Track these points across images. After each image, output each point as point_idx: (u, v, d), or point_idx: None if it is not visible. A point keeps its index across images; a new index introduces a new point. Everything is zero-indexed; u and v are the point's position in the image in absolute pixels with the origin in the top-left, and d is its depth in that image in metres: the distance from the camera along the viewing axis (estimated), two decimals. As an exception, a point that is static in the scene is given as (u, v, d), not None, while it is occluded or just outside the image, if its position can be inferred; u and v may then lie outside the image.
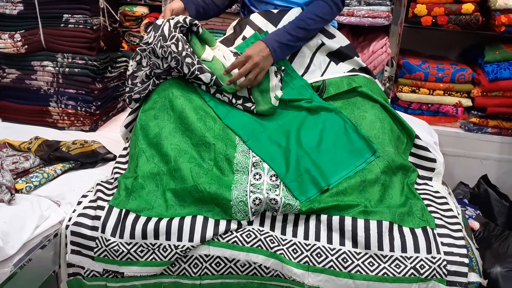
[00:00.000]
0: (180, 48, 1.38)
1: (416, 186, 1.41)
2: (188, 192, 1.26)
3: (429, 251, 1.19)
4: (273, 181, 1.30)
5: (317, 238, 1.22)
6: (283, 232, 1.24)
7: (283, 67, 1.52)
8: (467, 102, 2.33)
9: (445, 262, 1.17)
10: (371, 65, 2.23)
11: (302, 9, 1.60)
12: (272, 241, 1.21)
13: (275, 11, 1.61)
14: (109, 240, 1.20)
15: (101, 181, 1.38)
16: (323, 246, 1.21)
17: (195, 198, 1.25)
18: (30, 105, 1.97)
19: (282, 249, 1.20)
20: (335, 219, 1.23)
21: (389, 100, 2.26)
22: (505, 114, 2.32)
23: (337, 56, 1.61)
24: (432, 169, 1.49)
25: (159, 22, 1.43)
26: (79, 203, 1.31)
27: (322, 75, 1.58)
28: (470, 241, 1.28)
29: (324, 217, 1.23)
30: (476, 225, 1.89)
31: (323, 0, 1.54)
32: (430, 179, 1.49)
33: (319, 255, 1.20)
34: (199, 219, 1.22)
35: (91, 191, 1.37)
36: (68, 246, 1.24)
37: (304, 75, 1.57)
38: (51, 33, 1.87)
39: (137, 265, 1.21)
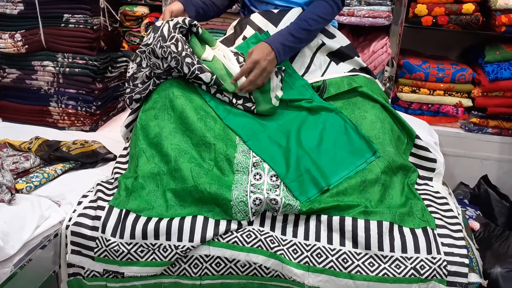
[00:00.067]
0: (179, 48, 1.38)
1: (416, 186, 1.41)
2: (189, 192, 1.26)
3: (429, 251, 1.18)
4: (273, 181, 1.30)
5: (317, 238, 1.22)
6: (283, 232, 1.24)
7: (283, 67, 1.52)
8: (467, 102, 2.33)
9: (445, 263, 1.17)
10: (371, 65, 2.23)
11: (303, 9, 1.59)
12: (272, 242, 1.21)
13: (276, 11, 1.61)
14: (109, 240, 1.20)
15: (101, 181, 1.38)
16: (323, 247, 1.21)
17: (195, 198, 1.25)
18: (30, 105, 1.97)
19: (282, 249, 1.20)
20: (335, 219, 1.23)
21: (390, 100, 2.27)
22: (506, 114, 2.32)
23: (337, 56, 1.61)
24: (432, 169, 1.49)
25: (158, 23, 1.43)
26: (79, 203, 1.31)
27: (322, 75, 1.58)
28: (470, 242, 1.28)
29: (324, 218, 1.23)
30: (476, 225, 1.89)
31: (324, 0, 1.54)
32: (430, 179, 1.49)
33: (319, 256, 1.20)
34: (199, 219, 1.22)
35: (92, 191, 1.37)
36: (68, 246, 1.24)
37: (305, 75, 1.57)
38: (52, 33, 1.87)
39: (137, 265, 1.21)
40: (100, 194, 1.31)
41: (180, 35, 1.41)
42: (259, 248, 1.20)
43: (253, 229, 1.22)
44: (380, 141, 1.40)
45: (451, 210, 1.34)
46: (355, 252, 1.20)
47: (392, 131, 1.46)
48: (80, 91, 1.92)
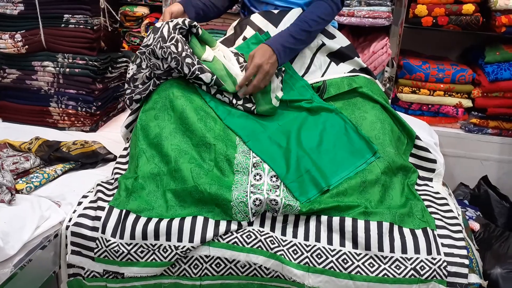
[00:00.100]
0: (179, 49, 1.38)
1: (416, 187, 1.41)
2: (189, 193, 1.26)
3: (429, 252, 1.18)
4: (273, 181, 1.30)
5: (317, 239, 1.22)
6: (283, 233, 1.24)
7: (283, 68, 1.52)
8: (467, 103, 2.33)
9: (445, 263, 1.17)
10: (371, 66, 2.23)
11: (303, 9, 1.60)
12: (272, 242, 1.21)
13: (276, 11, 1.61)
14: (109, 240, 1.20)
15: (102, 182, 1.38)
16: (323, 247, 1.21)
17: (195, 198, 1.25)
18: (30, 105, 1.97)
19: (282, 250, 1.20)
20: (335, 220, 1.23)
21: (390, 100, 2.27)
22: (506, 115, 2.32)
23: (337, 56, 1.61)
24: (432, 170, 1.49)
25: (158, 24, 1.43)
26: (80, 203, 1.31)
27: (322, 76, 1.58)
28: (470, 242, 1.28)
29: (324, 218, 1.23)
30: (476, 226, 1.89)
31: (323, 0, 1.54)
32: (430, 180, 1.49)
33: (319, 256, 1.20)
34: (199, 219, 1.22)
35: (92, 192, 1.37)
36: (68, 247, 1.24)
37: (305, 76, 1.58)
38: (52, 33, 1.87)
39: (137, 265, 1.21)
40: (100, 195, 1.31)
41: (180, 36, 1.41)
42: (259, 248, 1.20)
43: (253, 229, 1.22)
44: (380, 142, 1.40)
45: (451, 210, 1.34)
46: (355, 253, 1.20)
47: (392, 131, 1.46)
48: (80, 92, 1.92)
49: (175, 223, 1.21)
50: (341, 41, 1.64)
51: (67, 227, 1.24)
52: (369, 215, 1.23)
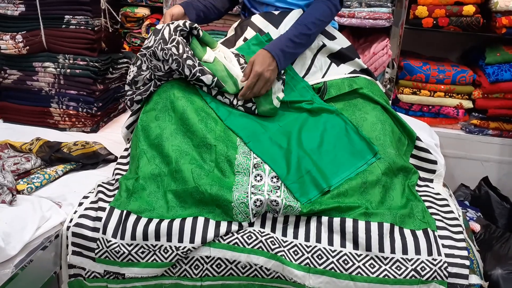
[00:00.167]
0: (180, 51, 1.38)
1: (417, 188, 1.41)
2: (189, 194, 1.26)
3: (430, 253, 1.18)
4: (274, 182, 1.30)
5: (318, 239, 1.22)
6: (284, 233, 1.24)
7: (284, 70, 1.52)
8: (468, 104, 2.33)
9: (446, 264, 1.17)
10: (372, 67, 2.24)
11: (303, 10, 1.60)
12: (273, 243, 1.21)
13: (276, 12, 1.61)
14: (110, 241, 1.21)
15: (102, 182, 1.38)
16: (324, 248, 1.21)
17: (196, 199, 1.25)
18: (31, 106, 1.97)
19: (283, 250, 1.20)
20: (336, 220, 1.23)
21: (390, 101, 2.27)
22: (506, 116, 2.32)
23: (338, 57, 1.62)
24: (433, 171, 1.49)
25: (159, 26, 1.44)
26: (80, 204, 1.31)
27: (323, 77, 1.59)
28: (471, 243, 1.28)
29: (325, 219, 1.23)
30: (477, 227, 1.88)
31: (322, 2, 1.54)
32: (431, 181, 1.49)
33: (320, 257, 1.20)
34: (200, 220, 1.22)
35: (92, 192, 1.37)
36: (69, 247, 1.24)
37: (305, 77, 1.58)
38: (53, 34, 1.88)
39: (138, 266, 1.21)
40: (101, 195, 1.31)
41: (181, 37, 1.41)
42: (260, 249, 1.20)
43: (254, 230, 1.22)
44: (380, 143, 1.40)
45: (451, 211, 1.34)
46: (356, 254, 1.20)
47: (393, 132, 1.46)
48: (81, 92, 1.92)
49: (176, 223, 1.21)
50: (341, 42, 1.64)
51: (68, 227, 1.24)
52: (370, 216, 1.23)
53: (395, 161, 1.36)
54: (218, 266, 1.22)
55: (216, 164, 1.33)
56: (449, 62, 2.47)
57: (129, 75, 1.49)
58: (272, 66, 1.41)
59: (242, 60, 1.51)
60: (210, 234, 1.20)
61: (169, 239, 1.20)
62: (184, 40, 1.42)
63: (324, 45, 1.59)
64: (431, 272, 1.16)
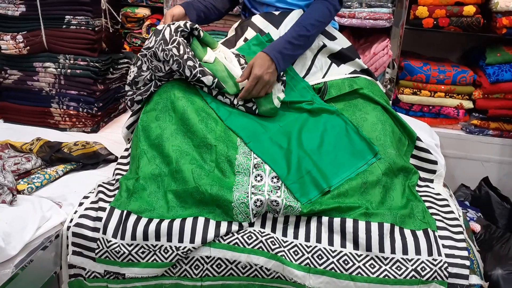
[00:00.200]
0: (181, 52, 1.38)
1: (417, 188, 1.41)
2: (190, 194, 1.26)
3: (430, 253, 1.18)
4: (274, 182, 1.30)
5: (318, 240, 1.22)
6: (284, 233, 1.24)
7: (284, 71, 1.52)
8: (468, 104, 2.33)
9: (446, 264, 1.17)
10: (372, 67, 2.24)
11: (303, 11, 1.60)
12: (273, 243, 1.21)
13: (277, 13, 1.61)
14: (110, 241, 1.21)
15: (103, 182, 1.39)
16: (324, 248, 1.21)
17: (196, 199, 1.26)
18: (32, 106, 1.97)
19: (283, 250, 1.20)
20: (336, 221, 1.23)
21: (390, 102, 2.27)
22: (506, 116, 2.32)
23: (338, 57, 1.62)
24: (433, 171, 1.49)
25: (160, 27, 1.44)
26: (81, 204, 1.32)
27: (323, 77, 1.59)
28: (471, 243, 1.28)
29: (325, 219, 1.23)
30: (477, 227, 1.88)
31: (321, 3, 1.54)
32: (431, 181, 1.49)
33: (320, 257, 1.20)
34: (200, 220, 1.22)
35: (93, 192, 1.37)
36: (69, 247, 1.24)
37: (306, 77, 1.58)
38: (53, 34, 1.88)
39: (138, 266, 1.21)
40: (101, 195, 1.31)
41: (182, 38, 1.41)
42: (260, 249, 1.20)
43: (254, 230, 1.22)
44: (381, 143, 1.40)
45: (452, 212, 1.34)
46: (356, 254, 1.20)
47: (393, 133, 1.46)
48: (82, 93, 1.92)
49: (176, 224, 1.21)
50: (342, 42, 1.64)
51: (68, 227, 1.24)
52: (370, 216, 1.23)
53: (395, 162, 1.36)
54: (218, 266, 1.22)
55: (216, 164, 1.33)
56: (449, 62, 2.47)
57: (130, 76, 1.49)
58: (271, 68, 1.41)
59: (242, 61, 1.51)
60: (210, 234, 1.20)
61: (169, 239, 1.20)
62: (185, 41, 1.42)
63: (324, 46, 1.59)
64: (431, 272, 1.16)
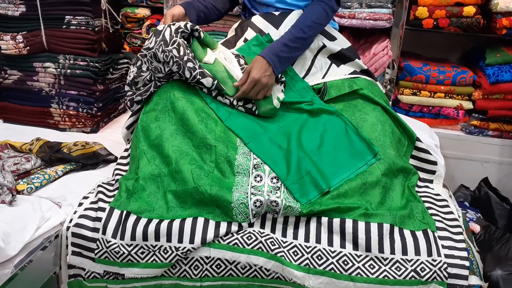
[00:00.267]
0: (181, 53, 1.38)
1: (417, 189, 1.41)
2: (189, 194, 1.26)
3: (429, 253, 1.18)
4: (274, 183, 1.30)
5: (318, 240, 1.22)
6: (284, 234, 1.24)
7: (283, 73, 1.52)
8: (468, 105, 2.33)
9: (445, 265, 1.17)
10: (372, 68, 2.24)
11: (303, 11, 1.60)
12: (272, 243, 1.21)
13: (276, 13, 1.61)
14: (110, 241, 1.21)
15: (102, 183, 1.38)
16: (324, 249, 1.21)
17: (196, 200, 1.26)
18: (31, 106, 1.97)
19: (283, 251, 1.20)
20: (336, 221, 1.23)
21: (390, 102, 2.27)
22: (506, 117, 2.32)
23: (338, 58, 1.62)
24: (433, 172, 1.49)
25: (160, 27, 1.44)
26: (80, 204, 1.32)
27: (323, 77, 1.58)
28: (470, 244, 1.28)
29: (325, 220, 1.23)
30: (476, 228, 1.88)
31: (318, 4, 1.54)
32: (431, 181, 1.49)
33: (319, 258, 1.20)
34: (200, 221, 1.22)
35: (92, 193, 1.37)
36: (69, 248, 1.24)
37: (305, 77, 1.58)
38: (53, 34, 1.88)
39: (137, 266, 1.21)
40: (100, 196, 1.31)
41: (182, 39, 1.41)
42: (260, 250, 1.20)
43: (254, 231, 1.22)
44: (380, 144, 1.40)
45: (451, 212, 1.34)
46: (356, 254, 1.20)
47: (393, 133, 1.46)
48: (81, 93, 1.92)
49: (176, 224, 1.21)
50: (341, 42, 1.64)
51: (68, 228, 1.24)
52: (370, 216, 1.23)
53: (395, 162, 1.36)
54: (218, 266, 1.22)
55: (216, 164, 1.33)
56: (449, 63, 2.47)
57: (129, 76, 1.49)
58: (269, 71, 1.42)
59: (242, 61, 1.51)
60: (210, 235, 1.20)
61: (169, 239, 1.20)
62: (185, 42, 1.42)
63: (324, 46, 1.59)
64: (431, 273, 1.16)
